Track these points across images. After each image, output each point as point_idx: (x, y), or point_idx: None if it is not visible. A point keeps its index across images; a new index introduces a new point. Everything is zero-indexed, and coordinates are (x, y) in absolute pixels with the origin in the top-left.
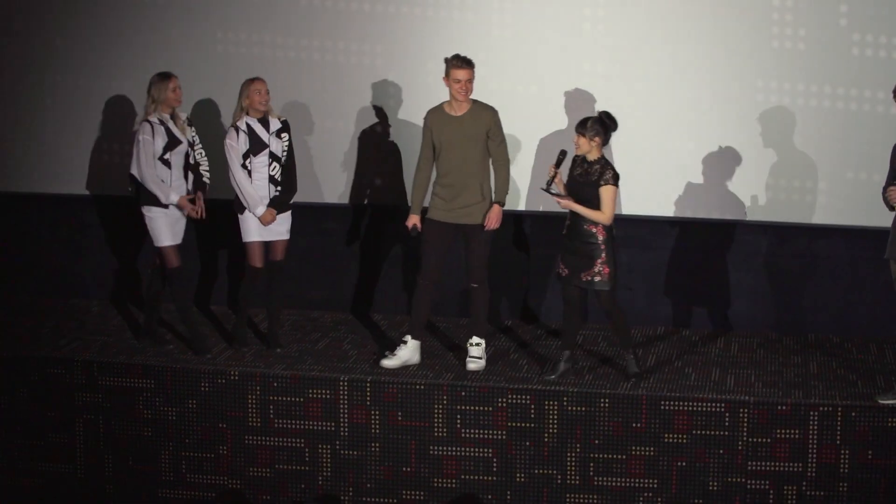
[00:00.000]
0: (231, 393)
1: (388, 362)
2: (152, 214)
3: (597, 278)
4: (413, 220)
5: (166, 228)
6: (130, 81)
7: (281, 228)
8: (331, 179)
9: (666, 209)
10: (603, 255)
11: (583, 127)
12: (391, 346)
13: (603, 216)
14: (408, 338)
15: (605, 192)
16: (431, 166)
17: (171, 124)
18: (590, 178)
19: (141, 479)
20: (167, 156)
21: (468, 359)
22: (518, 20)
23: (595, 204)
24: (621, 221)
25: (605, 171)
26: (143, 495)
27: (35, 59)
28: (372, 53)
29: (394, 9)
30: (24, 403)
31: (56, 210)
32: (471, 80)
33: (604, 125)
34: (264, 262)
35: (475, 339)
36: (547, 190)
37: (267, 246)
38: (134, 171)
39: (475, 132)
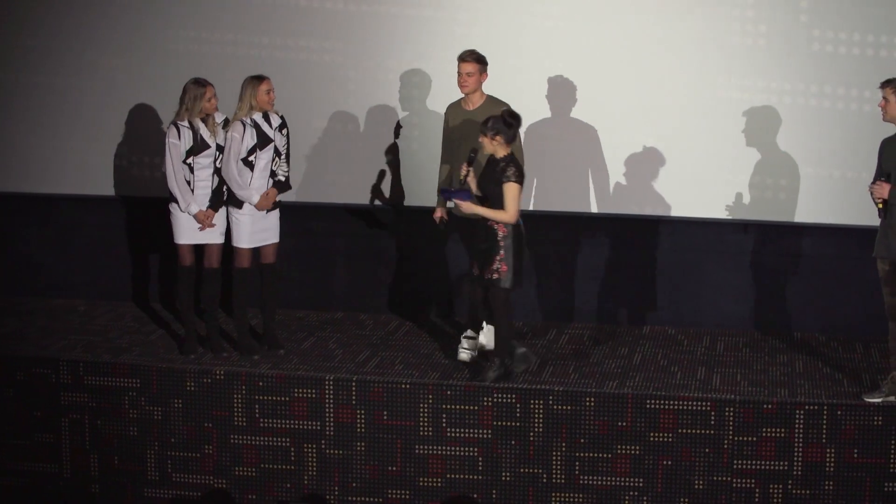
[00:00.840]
0: (216, 392)
1: (464, 355)
2: (175, 212)
3: (495, 276)
4: (438, 213)
5: (186, 227)
6: (118, 81)
7: (269, 233)
8: (315, 178)
9: (650, 208)
10: (501, 251)
11: (484, 126)
12: (379, 346)
13: (506, 215)
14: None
15: (508, 189)
16: (451, 158)
17: (201, 127)
18: (495, 175)
19: (127, 479)
20: (190, 160)
21: (459, 349)
22: (486, 20)
23: (501, 202)
24: (609, 220)
25: (507, 169)
26: (128, 495)
27: (15, 60)
28: (340, 52)
29: (354, 7)
30: (10, 403)
31: (42, 210)
32: (471, 74)
33: (506, 123)
34: (252, 263)
35: (469, 332)
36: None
37: (259, 249)
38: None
39: (478, 128)
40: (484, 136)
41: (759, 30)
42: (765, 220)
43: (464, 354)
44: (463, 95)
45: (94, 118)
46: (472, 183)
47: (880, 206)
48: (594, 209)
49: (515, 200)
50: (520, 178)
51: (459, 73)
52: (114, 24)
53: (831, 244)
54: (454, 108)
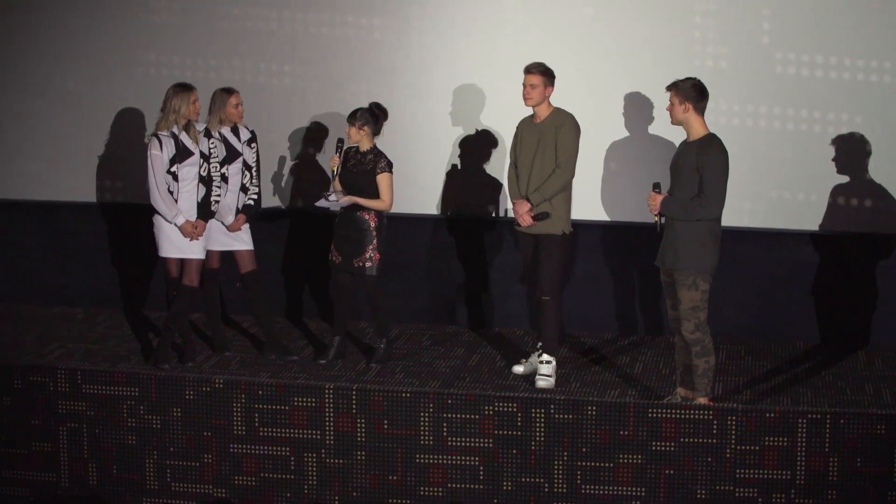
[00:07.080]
0: (216, 401)
1: (518, 368)
2: (159, 223)
3: (367, 264)
4: (527, 219)
5: (168, 240)
6: (117, 88)
7: (234, 241)
8: (306, 187)
9: (650, 215)
10: (374, 241)
11: (353, 118)
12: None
13: (384, 203)
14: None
15: (383, 179)
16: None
17: (183, 136)
18: (364, 167)
19: (125, 488)
20: (174, 168)
21: (537, 376)
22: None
23: (372, 192)
24: (606, 228)
25: (378, 160)
26: None
27: (16, 63)
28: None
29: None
30: (8, 412)
31: (40, 217)
32: (535, 86)
33: (373, 115)
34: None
35: (545, 357)
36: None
37: (232, 256)
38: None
39: (545, 138)
40: (351, 127)
41: (693, 50)
42: (766, 227)
43: (542, 382)
44: (532, 110)
45: (92, 124)
46: (338, 178)
47: (657, 218)
48: (591, 216)
49: (390, 189)
50: (391, 168)
51: (524, 85)
52: (107, 37)
53: (834, 252)
54: (524, 120)
